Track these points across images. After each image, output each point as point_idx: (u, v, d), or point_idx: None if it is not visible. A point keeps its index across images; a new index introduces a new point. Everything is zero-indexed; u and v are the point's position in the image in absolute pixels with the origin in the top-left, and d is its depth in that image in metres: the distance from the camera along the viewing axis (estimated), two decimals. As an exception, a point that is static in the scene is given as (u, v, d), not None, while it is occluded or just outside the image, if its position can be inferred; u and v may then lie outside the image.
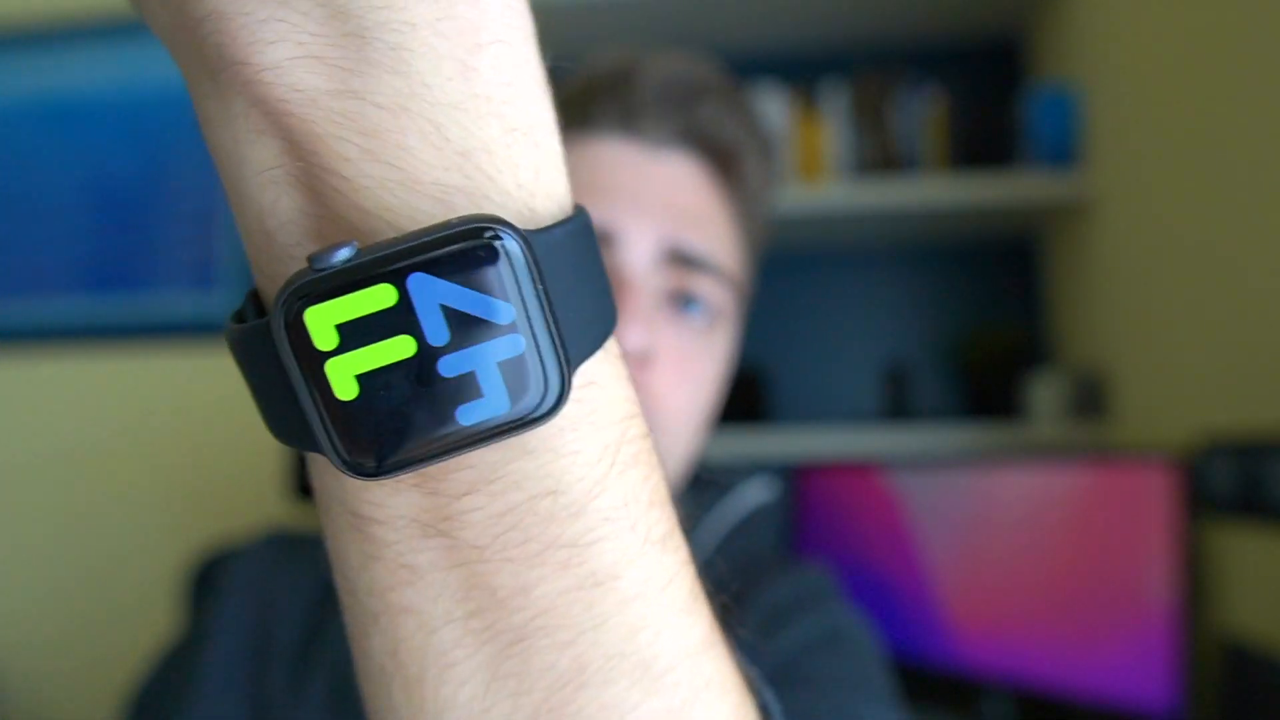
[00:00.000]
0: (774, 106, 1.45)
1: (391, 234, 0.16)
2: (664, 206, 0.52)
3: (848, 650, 0.49)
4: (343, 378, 0.15)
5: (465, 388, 0.16)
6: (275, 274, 0.17)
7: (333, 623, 0.57)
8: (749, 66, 1.63)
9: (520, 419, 0.16)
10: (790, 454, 1.44)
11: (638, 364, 0.49)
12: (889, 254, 1.65)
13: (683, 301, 0.52)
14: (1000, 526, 1.18)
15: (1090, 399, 1.35)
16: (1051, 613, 1.12)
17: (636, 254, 0.51)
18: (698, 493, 0.61)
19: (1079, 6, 1.40)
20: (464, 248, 0.15)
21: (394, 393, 0.16)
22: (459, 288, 0.15)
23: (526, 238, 0.16)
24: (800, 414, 1.63)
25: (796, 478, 1.40)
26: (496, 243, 0.15)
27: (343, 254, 0.15)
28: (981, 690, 1.20)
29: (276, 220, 0.17)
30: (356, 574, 0.18)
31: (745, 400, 1.48)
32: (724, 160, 0.56)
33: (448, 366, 0.16)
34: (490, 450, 0.17)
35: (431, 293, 0.15)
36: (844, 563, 1.34)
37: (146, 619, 1.49)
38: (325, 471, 0.18)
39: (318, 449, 0.16)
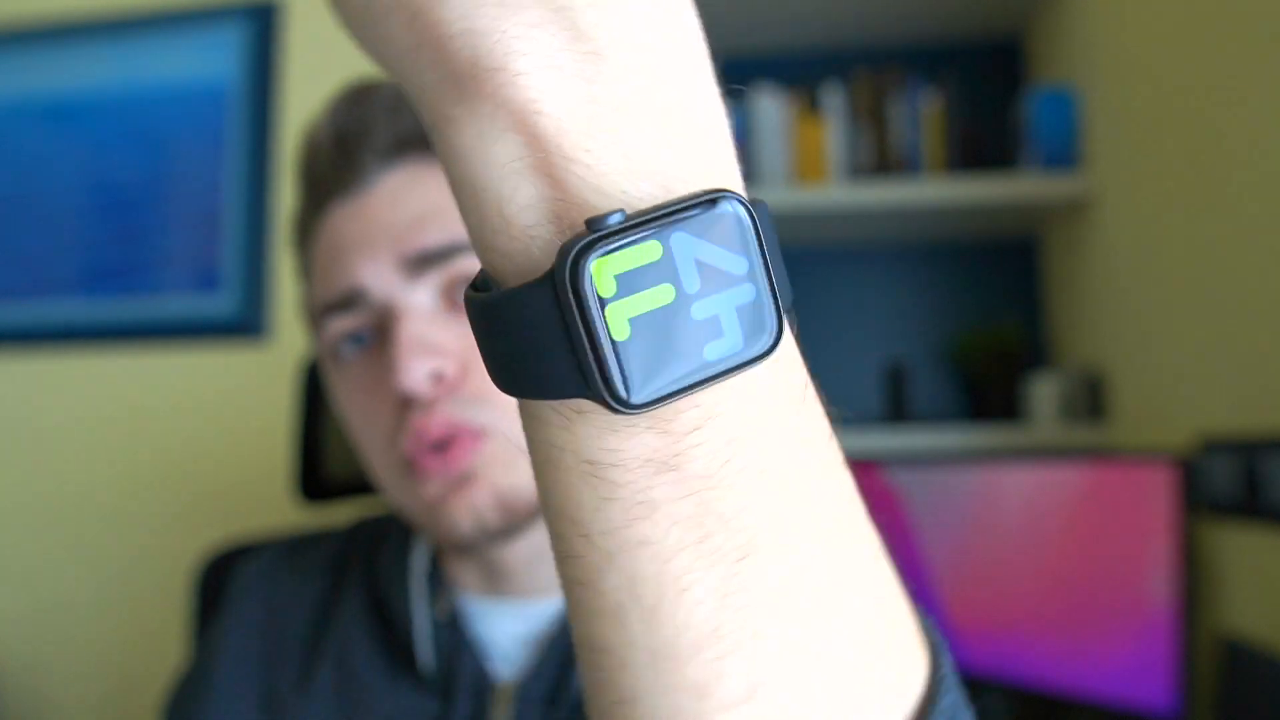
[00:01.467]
0: (774, 107, 1.45)
1: (628, 210, 0.19)
2: (385, 230, 0.51)
3: None
4: (619, 320, 0.19)
5: (710, 328, 0.19)
6: (514, 252, 0.20)
7: (338, 616, 0.58)
8: (749, 68, 1.63)
9: (753, 355, 0.19)
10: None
11: (447, 385, 0.49)
12: (888, 254, 1.66)
13: (458, 293, 0.51)
14: (1000, 527, 1.18)
15: (1090, 400, 1.35)
16: (1051, 612, 1.12)
17: (380, 285, 0.51)
18: None
19: (1078, 7, 1.40)
20: (712, 212, 0.19)
21: (657, 333, 0.19)
22: (708, 244, 0.19)
23: (748, 204, 0.19)
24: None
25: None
26: (731, 207, 0.19)
27: (615, 218, 0.18)
28: (981, 690, 1.21)
29: (516, 206, 0.20)
30: (591, 517, 0.20)
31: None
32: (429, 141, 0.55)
33: (699, 310, 0.19)
34: (710, 392, 0.20)
35: (688, 248, 0.19)
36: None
37: (147, 621, 1.49)
38: (553, 425, 0.21)
39: (571, 394, 0.19)
